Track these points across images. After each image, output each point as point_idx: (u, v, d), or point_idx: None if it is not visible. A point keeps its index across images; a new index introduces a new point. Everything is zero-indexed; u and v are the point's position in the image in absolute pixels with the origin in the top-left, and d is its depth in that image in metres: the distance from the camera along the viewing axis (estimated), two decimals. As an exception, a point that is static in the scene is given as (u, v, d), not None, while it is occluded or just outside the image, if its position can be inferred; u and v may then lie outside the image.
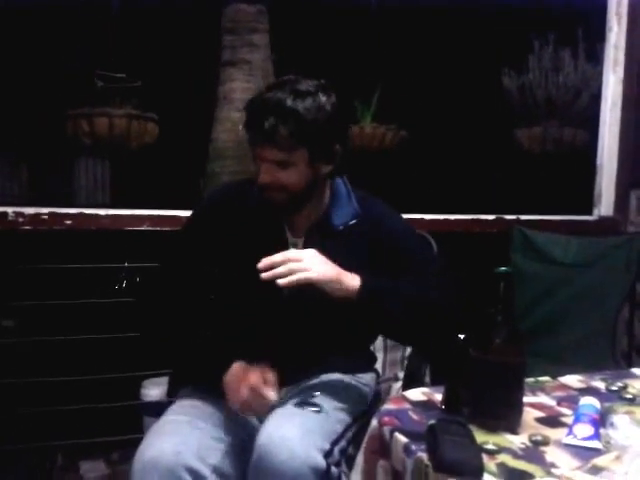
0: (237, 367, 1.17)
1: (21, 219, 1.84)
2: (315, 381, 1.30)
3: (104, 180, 4.37)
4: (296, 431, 1.09)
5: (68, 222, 1.88)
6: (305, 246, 1.27)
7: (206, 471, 1.09)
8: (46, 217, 1.86)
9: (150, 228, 1.96)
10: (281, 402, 1.22)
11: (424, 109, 3.90)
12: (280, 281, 1.08)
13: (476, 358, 0.96)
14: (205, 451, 1.11)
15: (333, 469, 1.08)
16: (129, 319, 2.00)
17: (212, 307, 1.32)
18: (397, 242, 1.30)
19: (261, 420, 1.20)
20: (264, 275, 1.08)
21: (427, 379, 1.54)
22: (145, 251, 2.04)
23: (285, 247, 1.26)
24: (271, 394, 1.12)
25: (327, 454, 1.09)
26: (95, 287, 2.28)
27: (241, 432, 1.21)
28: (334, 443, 1.13)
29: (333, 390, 1.26)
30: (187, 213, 1.93)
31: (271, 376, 1.14)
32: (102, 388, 2.00)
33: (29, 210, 1.86)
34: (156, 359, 2.13)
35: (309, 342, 1.29)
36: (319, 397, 1.22)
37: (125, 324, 2.03)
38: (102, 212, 1.94)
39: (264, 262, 1.09)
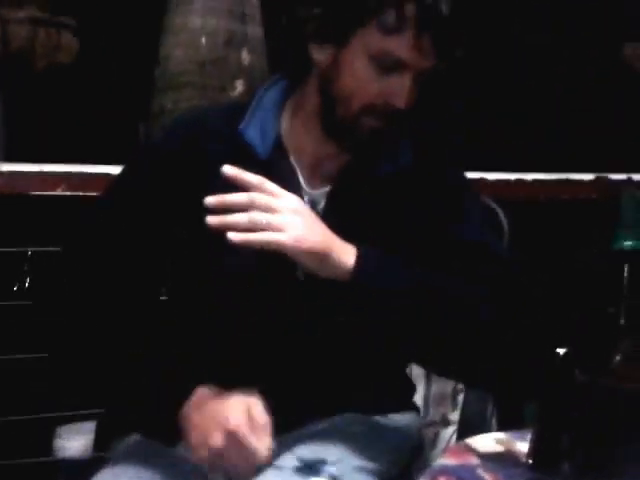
0: (204, 393, 1.16)
1: None
2: (325, 426, 1.29)
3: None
4: None
5: None
6: (331, 202, 1.28)
7: None
8: None
9: (67, 193, 1.95)
10: (275, 459, 1.20)
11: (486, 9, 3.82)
12: (233, 236, 1.06)
13: (586, 384, 0.94)
14: None
15: None
16: (36, 331, 1.99)
17: (165, 307, 1.34)
18: (455, 209, 1.32)
19: None
20: (211, 220, 1.07)
21: (494, 423, 1.53)
22: (59, 229, 2.01)
23: None
24: (262, 445, 1.09)
25: None
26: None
27: None
28: None
29: (353, 440, 1.26)
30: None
31: (262, 412, 1.11)
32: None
33: None
34: (78, 394, 2.11)
35: (317, 363, 1.28)
36: (332, 453, 1.21)
37: (31, 340, 2.01)
38: (-9, 167, 1.93)
39: (216, 199, 1.08)
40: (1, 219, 2.07)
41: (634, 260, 0.96)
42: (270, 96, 1.32)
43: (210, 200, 1.08)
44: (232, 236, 1.05)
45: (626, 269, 0.95)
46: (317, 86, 1.25)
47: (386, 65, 1.18)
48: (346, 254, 1.14)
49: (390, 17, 1.15)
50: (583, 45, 3.81)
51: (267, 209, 1.09)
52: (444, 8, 1.16)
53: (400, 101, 1.19)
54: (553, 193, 2.30)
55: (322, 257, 1.11)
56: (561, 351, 1.01)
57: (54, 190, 1.93)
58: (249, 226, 1.07)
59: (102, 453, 2.10)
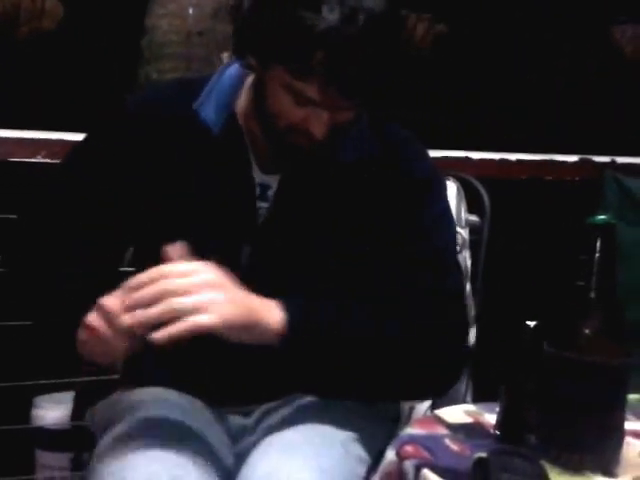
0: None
1: None
2: (309, 400, 1.29)
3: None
4: (309, 476, 1.09)
5: None
6: (282, 188, 1.28)
7: None
8: None
9: (47, 160, 1.93)
10: (270, 425, 1.24)
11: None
12: (156, 336, 1.00)
13: (553, 357, 0.95)
14: None
15: None
16: (14, 299, 1.99)
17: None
18: (411, 206, 1.28)
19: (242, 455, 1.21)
20: (126, 321, 1.02)
21: (469, 398, 1.58)
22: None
23: (251, 190, 1.28)
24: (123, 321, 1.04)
25: None
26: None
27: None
28: None
29: (342, 412, 1.26)
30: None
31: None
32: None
33: None
34: (56, 363, 2.11)
35: None
36: (325, 419, 1.23)
37: (10, 308, 2.01)
38: (-29, 134, 1.92)
39: (128, 303, 1.03)
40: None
41: (606, 235, 0.96)
42: (230, 73, 1.30)
43: (107, 301, 1.05)
44: (155, 337, 1.00)
45: (598, 243, 0.95)
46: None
47: (301, 100, 1.15)
48: (270, 315, 1.10)
49: (298, 63, 1.12)
50: (569, 28, 3.81)
51: (181, 293, 1.02)
52: (354, 59, 1.10)
53: (318, 132, 1.17)
54: (537, 174, 2.30)
55: (251, 327, 1.08)
56: (531, 324, 1.01)
57: (34, 157, 1.91)
58: (168, 317, 1.00)
59: (79, 422, 2.11)
